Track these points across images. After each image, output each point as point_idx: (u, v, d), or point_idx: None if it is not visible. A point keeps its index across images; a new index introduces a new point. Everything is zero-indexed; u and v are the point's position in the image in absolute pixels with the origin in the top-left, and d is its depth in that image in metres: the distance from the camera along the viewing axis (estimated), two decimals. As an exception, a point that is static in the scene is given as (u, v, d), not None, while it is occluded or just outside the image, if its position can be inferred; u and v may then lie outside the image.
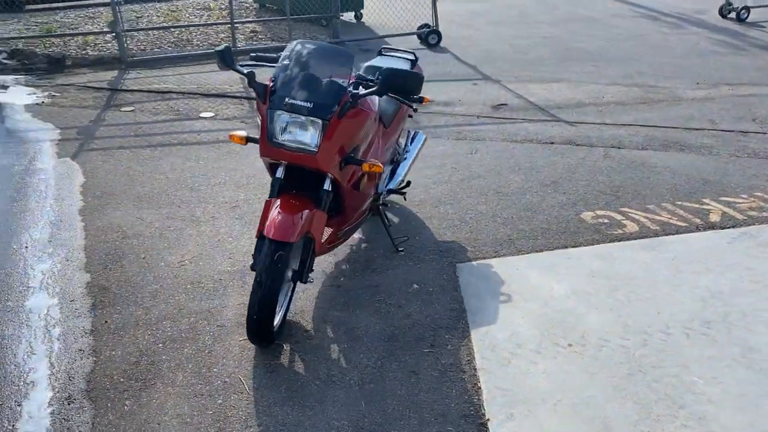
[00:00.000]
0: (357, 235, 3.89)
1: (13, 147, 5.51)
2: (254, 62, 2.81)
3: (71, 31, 9.69)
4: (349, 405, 2.56)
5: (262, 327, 2.66)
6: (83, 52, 8.82)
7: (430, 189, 4.62)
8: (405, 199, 4.21)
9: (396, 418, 2.50)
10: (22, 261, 3.64)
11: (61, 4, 12.08)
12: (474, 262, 3.62)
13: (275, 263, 2.57)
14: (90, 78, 7.76)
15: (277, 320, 2.84)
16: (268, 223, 2.63)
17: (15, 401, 2.57)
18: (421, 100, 4.08)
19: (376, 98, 2.98)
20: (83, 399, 2.59)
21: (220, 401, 2.57)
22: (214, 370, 2.75)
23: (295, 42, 2.80)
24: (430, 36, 9.45)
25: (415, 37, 9.67)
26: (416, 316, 3.14)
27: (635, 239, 3.84)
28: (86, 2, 12.55)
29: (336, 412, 2.52)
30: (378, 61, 3.97)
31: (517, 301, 3.21)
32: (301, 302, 3.23)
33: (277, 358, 2.83)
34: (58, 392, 2.62)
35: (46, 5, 11.82)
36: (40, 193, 4.56)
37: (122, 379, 2.69)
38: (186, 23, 10.30)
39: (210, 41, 9.56)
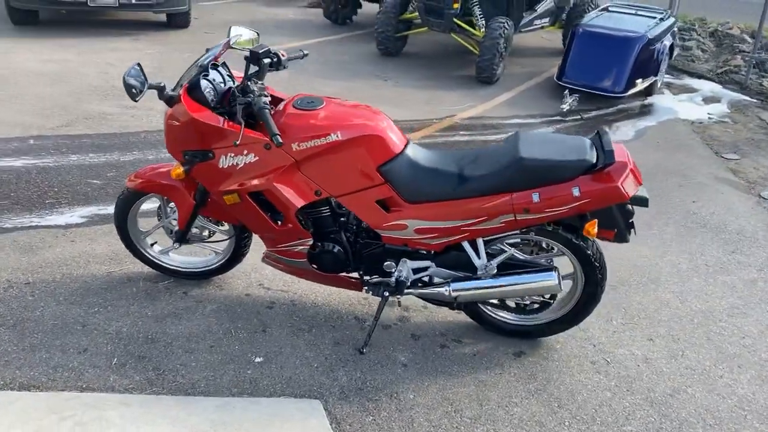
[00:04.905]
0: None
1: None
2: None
3: None
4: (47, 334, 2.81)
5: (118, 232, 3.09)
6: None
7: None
8: (399, 304, 2.95)
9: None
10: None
11: None
12: (336, 407, 2.51)
13: (119, 197, 3.00)
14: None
15: (168, 258, 3.20)
16: (145, 168, 2.95)
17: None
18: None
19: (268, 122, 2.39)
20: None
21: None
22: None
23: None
24: None
25: None
26: (194, 366, 2.70)
27: None
28: None
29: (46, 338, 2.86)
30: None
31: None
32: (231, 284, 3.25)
33: (148, 281, 3.22)
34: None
35: None
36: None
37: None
38: None
39: None
